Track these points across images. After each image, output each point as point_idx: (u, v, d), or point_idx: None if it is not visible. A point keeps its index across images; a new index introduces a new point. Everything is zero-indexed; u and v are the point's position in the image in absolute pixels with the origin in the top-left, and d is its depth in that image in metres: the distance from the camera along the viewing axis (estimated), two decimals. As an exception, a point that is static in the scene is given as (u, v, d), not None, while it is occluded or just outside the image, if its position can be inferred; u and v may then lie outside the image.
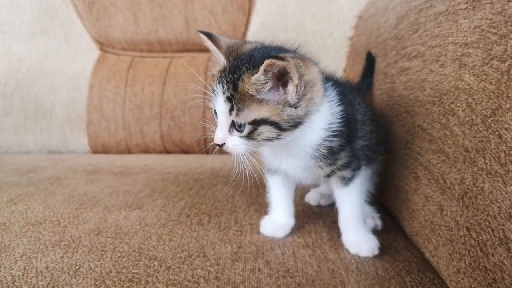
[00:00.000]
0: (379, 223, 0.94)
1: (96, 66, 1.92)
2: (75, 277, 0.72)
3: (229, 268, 0.76)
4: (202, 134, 1.79)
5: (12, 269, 0.74)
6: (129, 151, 1.87)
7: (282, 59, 0.63)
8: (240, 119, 0.70)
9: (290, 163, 0.82)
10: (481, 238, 0.56)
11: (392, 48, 1.02)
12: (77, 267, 0.75)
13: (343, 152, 0.80)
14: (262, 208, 1.04)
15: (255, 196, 1.13)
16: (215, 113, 0.75)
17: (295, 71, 0.65)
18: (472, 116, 0.59)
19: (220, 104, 0.71)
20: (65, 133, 1.85)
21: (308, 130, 0.74)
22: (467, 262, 0.59)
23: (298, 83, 0.66)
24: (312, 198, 1.10)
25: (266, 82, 0.67)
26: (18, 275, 0.72)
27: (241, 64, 0.71)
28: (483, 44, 0.59)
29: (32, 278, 0.71)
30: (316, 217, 1.01)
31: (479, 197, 0.56)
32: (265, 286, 0.70)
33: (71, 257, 0.79)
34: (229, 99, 0.70)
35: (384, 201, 1.03)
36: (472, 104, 0.60)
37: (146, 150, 1.86)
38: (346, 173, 0.83)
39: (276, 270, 0.75)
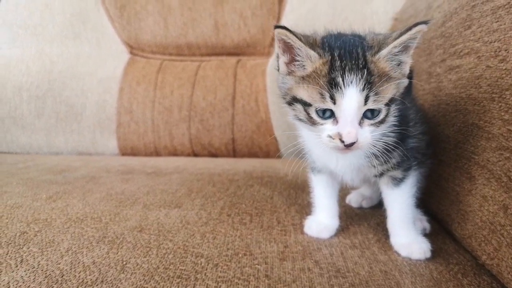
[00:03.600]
0: (427, 226, 0.91)
1: (126, 69, 1.93)
2: (123, 272, 0.70)
3: (278, 267, 0.74)
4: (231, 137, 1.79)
5: (59, 264, 0.73)
6: (157, 153, 1.87)
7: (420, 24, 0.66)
8: (379, 104, 0.67)
9: (340, 162, 0.80)
10: (560, 236, 0.53)
11: (438, 47, 0.99)
12: (124, 263, 0.74)
13: (396, 150, 0.77)
14: (303, 209, 1.02)
15: (294, 197, 1.12)
16: (323, 112, 0.69)
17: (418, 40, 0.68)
18: (547, 109, 0.57)
19: (351, 96, 0.65)
20: (95, 135, 1.86)
21: None
22: (541, 263, 0.56)
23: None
24: (353, 200, 1.07)
25: (398, 54, 0.68)
26: (66, 270, 0.71)
27: (349, 50, 0.68)
28: (558, 34, 0.57)
29: (80, 272, 0.70)
30: (360, 219, 0.98)
31: (557, 193, 0.53)
32: (318, 285, 0.68)
33: (117, 253, 0.78)
34: (367, 87, 0.65)
35: (429, 204, 1.00)
36: (546, 96, 0.57)
37: (175, 153, 1.86)
38: (398, 173, 0.81)
39: (327, 270, 0.73)
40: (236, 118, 1.81)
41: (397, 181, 0.82)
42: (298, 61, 0.71)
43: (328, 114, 0.69)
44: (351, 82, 0.65)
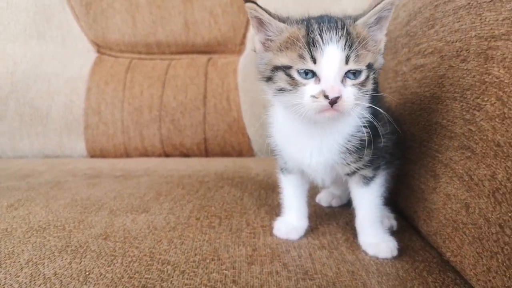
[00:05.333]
0: (394, 223, 0.92)
1: (93, 69, 1.88)
2: (85, 284, 0.68)
3: (245, 271, 0.73)
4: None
5: (18, 276, 0.70)
6: (127, 155, 1.83)
7: None
8: (360, 64, 0.69)
9: (314, 159, 0.80)
10: (517, 235, 0.54)
11: (403, 46, 1.00)
12: (87, 273, 0.71)
13: (369, 147, 0.78)
14: (273, 209, 1.01)
15: (264, 198, 1.11)
16: (305, 74, 0.69)
17: (390, 17, 0.73)
18: (504, 109, 0.58)
19: (332, 54, 0.67)
20: (62, 138, 1.81)
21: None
22: (500, 260, 0.57)
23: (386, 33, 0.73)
24: (323, 199, 1.07)
25: (374, 25, 0.72)
26: (25, 283, 0.68)
27: (327, 18, 0.72)
28: (514, 36, 0.57)
29: (40, 285, 0.68)
30: (329, 218, 0.98)
31: (515, 192, 0.54)
32: (285, 289, 0.67)
33: (80, 263, 0.75)
34: (348, 45, 0.67)
35: (397, 202, 1.01)
36: (503, 97, 0.58)
37: (145, 154, 1.83)
38: (368, 172, 0.81)
39: (295, 273, 0.72)
40: (208, 117, 1.79)
41: (367, 180, 0.82)
42: (270, 36, 0.73)
43: (310, 75, 0.70)
44: (331, 40, 0.67)
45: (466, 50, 0.71)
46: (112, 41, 1.93)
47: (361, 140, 0.77)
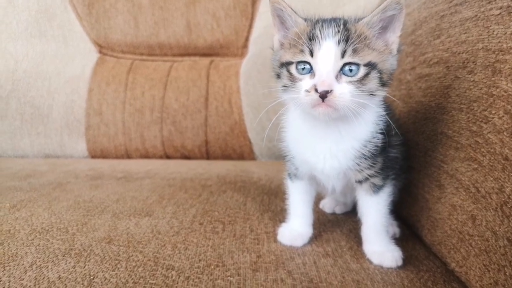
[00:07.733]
0: (397, 230, 0.93)
1: (95, 69, 1.88)
2: (90, 288, 0.68)
3: (250, 278, 0.73)
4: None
5: (23, 279, 0.70)
6: (128, 156, 1.83)
7: None
8: (357, 59, 0.69)
9: (328, 163, 0.80)
10: (525, 249, 0.54)
11: (408, 54, 1.01)
12: (91, 277, 0.71)
13: (382, 155, 0.79)
14: (276, 216, 1.01)
15: (267, 203, 1.11)
16: (302, 69, 0.72)
17: (402, 18, 0.71)
18: (513, 123, 0.58)
19: (328, 48, 0.69)
20: (63, 137, 1.81)
21: (366, 115, 0.75)
22: (508, 274, 0.57)
23: (400, 35, 0.73)
24: (327, 205, 1.07)
25: (376, 27, 0.72)
26: (29, 286, 0.68)
27: (330, 20, 0.74)
28: (523, 50, 0.58)
29: (44, 289, 0.67)
30: (333, 225, 0.98)
31: (523, 206, 0.55)
32: (291, 297, 0.67)
33: (84, 267, 0.75)
34: (344, 40, 0.69)
35: (400, 209, 1.01)
36: (512, 111, 0.58)
37: (146, 155, 1.83)
38: (378, 180, 0.82)
39: (300, 281, 0.72)
40: (209, 120, 1.79)
41: (377, 188, 0.82)
42: (288, 31, 0.77)
43: (306, 70, 0.72)
44: (328, 35, 0.70)
45: (473, 62, 0.71)
46: (114, 41, 1.93)
47: (376, 146, 0.78)
